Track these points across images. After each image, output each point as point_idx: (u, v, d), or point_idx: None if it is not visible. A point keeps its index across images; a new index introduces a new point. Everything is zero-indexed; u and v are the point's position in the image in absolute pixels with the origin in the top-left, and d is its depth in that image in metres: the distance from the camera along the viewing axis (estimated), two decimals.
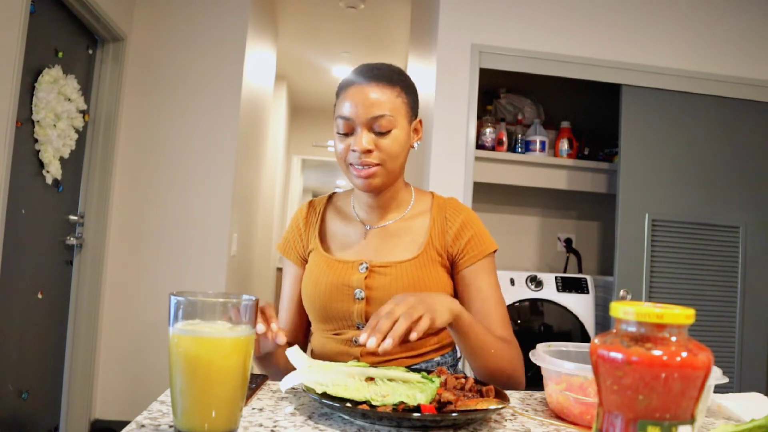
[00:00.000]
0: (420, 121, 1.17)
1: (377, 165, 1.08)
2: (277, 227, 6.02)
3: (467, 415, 0.75)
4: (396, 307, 0.89)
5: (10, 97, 1.96)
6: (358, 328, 1.11)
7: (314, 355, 1.19)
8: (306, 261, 1.21)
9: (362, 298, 1.10)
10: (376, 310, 0.92)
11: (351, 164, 1.09)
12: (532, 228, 3.18)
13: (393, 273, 1.10)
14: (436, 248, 1.13)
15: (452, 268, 1.15)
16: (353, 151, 1.08)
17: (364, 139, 1.06)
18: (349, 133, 1.09)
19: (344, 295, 1.11)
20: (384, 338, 0.84)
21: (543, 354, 0.91)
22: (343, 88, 1.12)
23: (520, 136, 2.94)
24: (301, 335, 1.25)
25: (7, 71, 1.94)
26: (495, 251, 1.16)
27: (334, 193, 1.29)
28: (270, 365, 1.09)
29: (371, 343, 0.84)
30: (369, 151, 1.07)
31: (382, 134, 1.07)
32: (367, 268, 1.11)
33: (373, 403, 0.76)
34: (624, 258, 2.66)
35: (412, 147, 1.16)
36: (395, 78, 1.11)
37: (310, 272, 1.16)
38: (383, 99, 1.07)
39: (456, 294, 1.16)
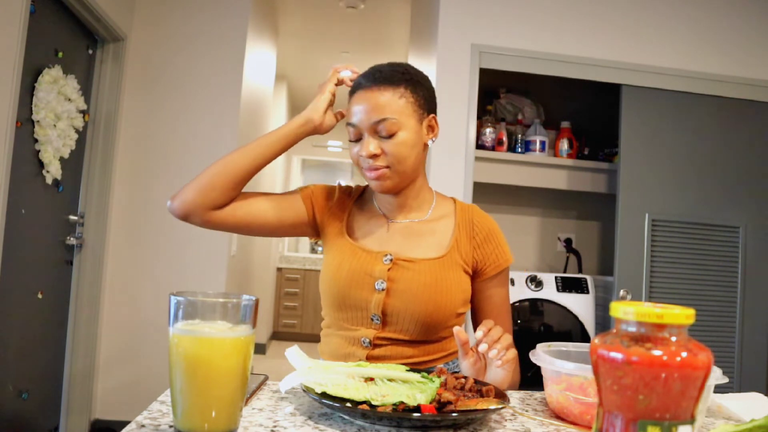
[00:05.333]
0: (434, 117, 1.15)
1: (386, 167, 1.09)
2: None
3: (467, 415, 0.75)
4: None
5: (10, 97, 1.96)
6: (372, 321, 1.10)
7: (323, 355, 1.19)
8: (312, 225, 1.20)
9: (383, 290, 1.09)
10: (399, 304, 1.08)
11: (363, 168, 1.12)
12: (532, 228, 3.18)
13: (416, 268, 1.10)
14: (461, 252, 1.14)
15: (473, 275, 1.16)
16: (361, 156, 1.10)
17: (369, 145, 1.08)
18: (358, 139, 1.11)
19: (364, 284, 1.10)
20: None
21: (543, 354, 0.91)
22: (350, 93, 1.14)
23: (520, 136, 2.93)
24: (229, 201, 1.17)
25: (7, 71, 1.94)
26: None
27: (367, 186, 1.26)
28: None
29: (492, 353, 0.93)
30: (375, 156, 1.08)
31: (387, 138, 1.08)
32: (391, 260, 1.11)
33: (373, 403, 0.76)
34: (624, 258, 2.66)
35: (426, 145, 1.15)
36: (398, 78, 1.10)
37: (333, 257, 1.15)
38: (384, 102, 1.07)
39: (472, 299, 1.18)
